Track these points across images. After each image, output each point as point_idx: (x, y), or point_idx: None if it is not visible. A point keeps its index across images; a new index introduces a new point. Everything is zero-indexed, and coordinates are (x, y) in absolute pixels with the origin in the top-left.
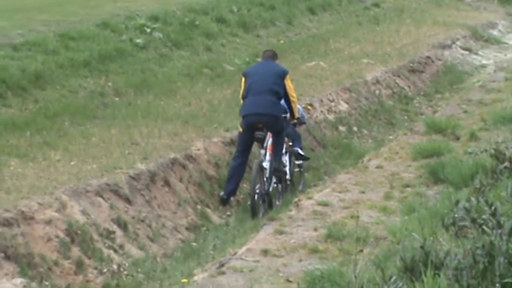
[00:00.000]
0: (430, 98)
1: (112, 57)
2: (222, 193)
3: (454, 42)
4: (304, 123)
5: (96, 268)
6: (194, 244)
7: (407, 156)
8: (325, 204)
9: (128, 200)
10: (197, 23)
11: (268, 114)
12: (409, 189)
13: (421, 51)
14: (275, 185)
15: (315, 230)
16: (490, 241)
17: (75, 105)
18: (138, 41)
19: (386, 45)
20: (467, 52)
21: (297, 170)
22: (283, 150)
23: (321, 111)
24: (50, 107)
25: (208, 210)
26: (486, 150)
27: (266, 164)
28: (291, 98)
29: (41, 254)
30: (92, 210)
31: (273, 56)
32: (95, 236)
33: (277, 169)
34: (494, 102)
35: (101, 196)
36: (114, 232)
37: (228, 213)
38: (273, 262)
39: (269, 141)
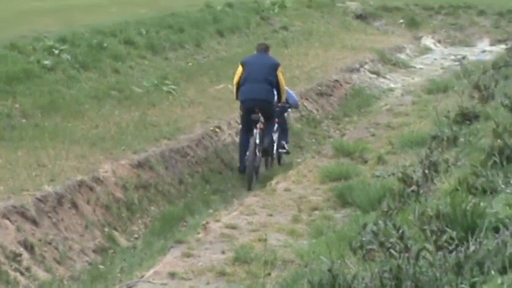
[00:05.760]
0: (338, 121)
1: (19, 79)
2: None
3: (362, 66)
4: (297, 107)
5: None
6: (101, 267)
7: (315, 179)
8: (233, 227)
9: (34, 222)
10: (105, 45)
11: (263, 100)
12: (317, 212)
13: (329, 74)
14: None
15: (223, 252)
16: (397, 264)
17: None
18: (46, 62)
19: (295, 68)
20: (375, 76)
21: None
22: (273, 129)
23: (229, 134)
24: None
25: (116, 233)
26: (394, 174)
27: (258, 141)
28: (281, 87)
29: None
30: None
31: (265, 49)
32: (1, 259)
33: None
34: (402, 126)
35: (8, 218)
36: (20, 255)
37: (136, 236)
38: (180, 285)
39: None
